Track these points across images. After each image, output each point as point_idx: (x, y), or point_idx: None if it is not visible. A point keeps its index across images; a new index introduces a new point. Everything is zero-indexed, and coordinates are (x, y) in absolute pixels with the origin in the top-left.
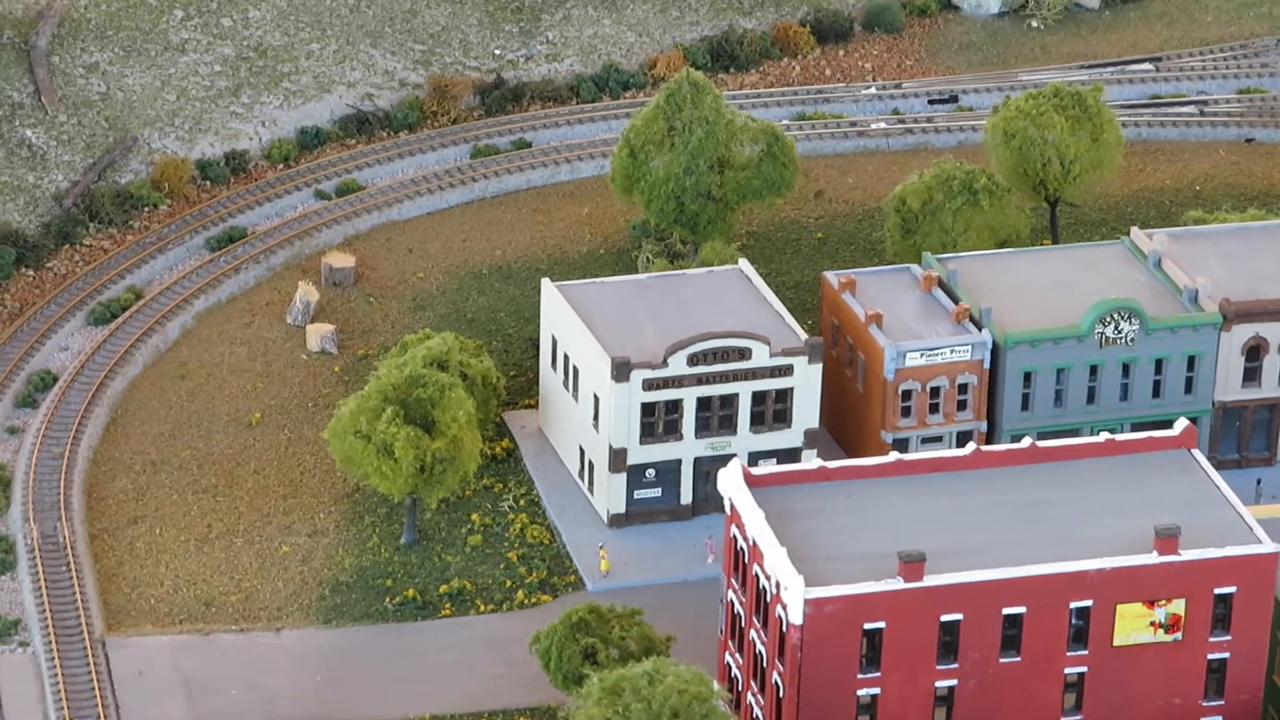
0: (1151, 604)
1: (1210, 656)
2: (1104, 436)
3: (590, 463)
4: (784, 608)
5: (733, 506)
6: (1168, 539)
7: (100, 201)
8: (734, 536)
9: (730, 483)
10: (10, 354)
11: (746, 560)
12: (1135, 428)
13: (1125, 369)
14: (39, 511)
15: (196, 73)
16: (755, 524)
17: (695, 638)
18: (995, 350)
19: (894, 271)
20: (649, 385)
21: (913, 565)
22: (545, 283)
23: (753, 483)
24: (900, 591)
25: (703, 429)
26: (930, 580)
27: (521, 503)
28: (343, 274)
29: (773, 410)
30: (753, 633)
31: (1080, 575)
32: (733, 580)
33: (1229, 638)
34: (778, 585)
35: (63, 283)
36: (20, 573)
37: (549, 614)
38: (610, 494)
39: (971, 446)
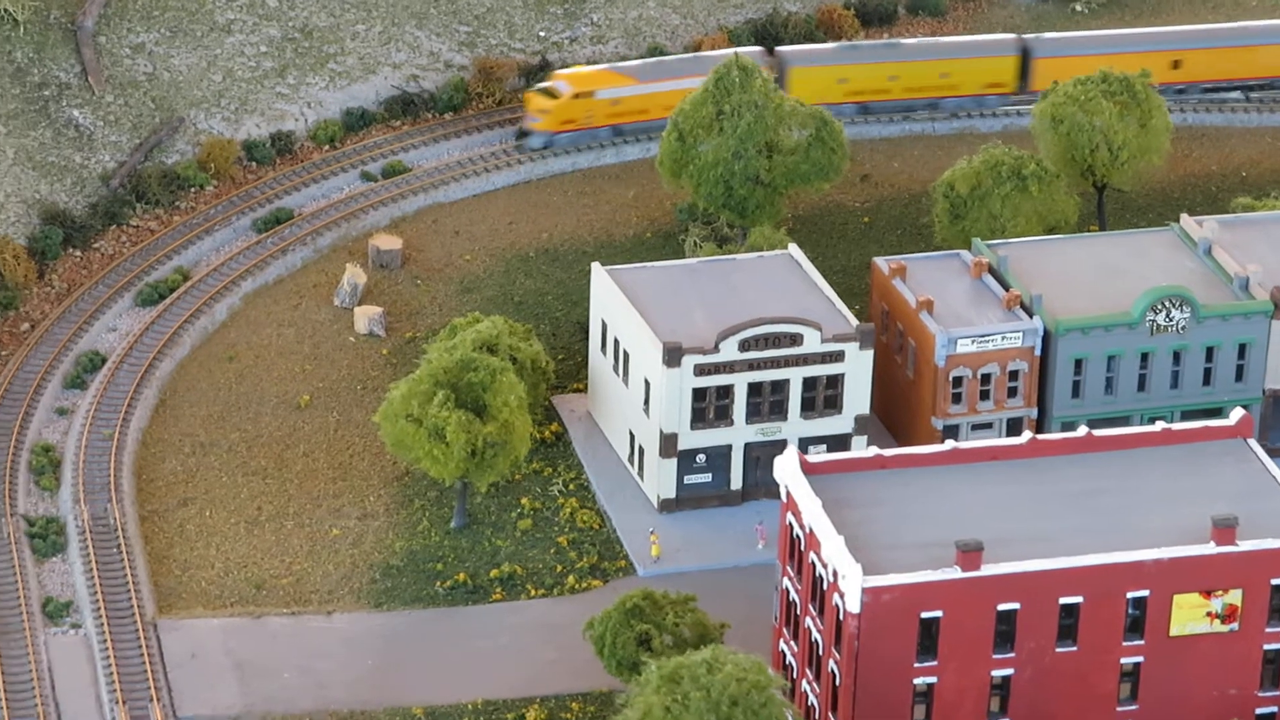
0: (1208, 594)
1: (1267, 647)
2: (1159, 425)
3: (640, 447)
4: (841, 596)
5: (789, 494)
6: (1225, 529)
7: (147, 182)
8: (790, 524)
9: (786, 470)
10: (59, 335)
11: (803, 548)
12: (1185, 415)
13: (1176, 356)
14: (89, 493)
15: (242, 53)
16: (812, 512)
17: (746, 624)
18: (1046, 337)
19: (944, 257)
20: (700, 370)
21: (970, 554)
22: (595, 267)
23: (809, 470)
24: (958, 580)
25: (753, 414)
26: (988, 569)
27: (571, 487)
28: (390, 256)
29: (823, 396)
30: (808, 621)
31: (1137, 565)
32: (788, 568)
33: None
34: (835, 573)
35: (110, 263)
36: (71, 554)
37: (600, 599)
38: (661, 479)
39: (1027, 435)
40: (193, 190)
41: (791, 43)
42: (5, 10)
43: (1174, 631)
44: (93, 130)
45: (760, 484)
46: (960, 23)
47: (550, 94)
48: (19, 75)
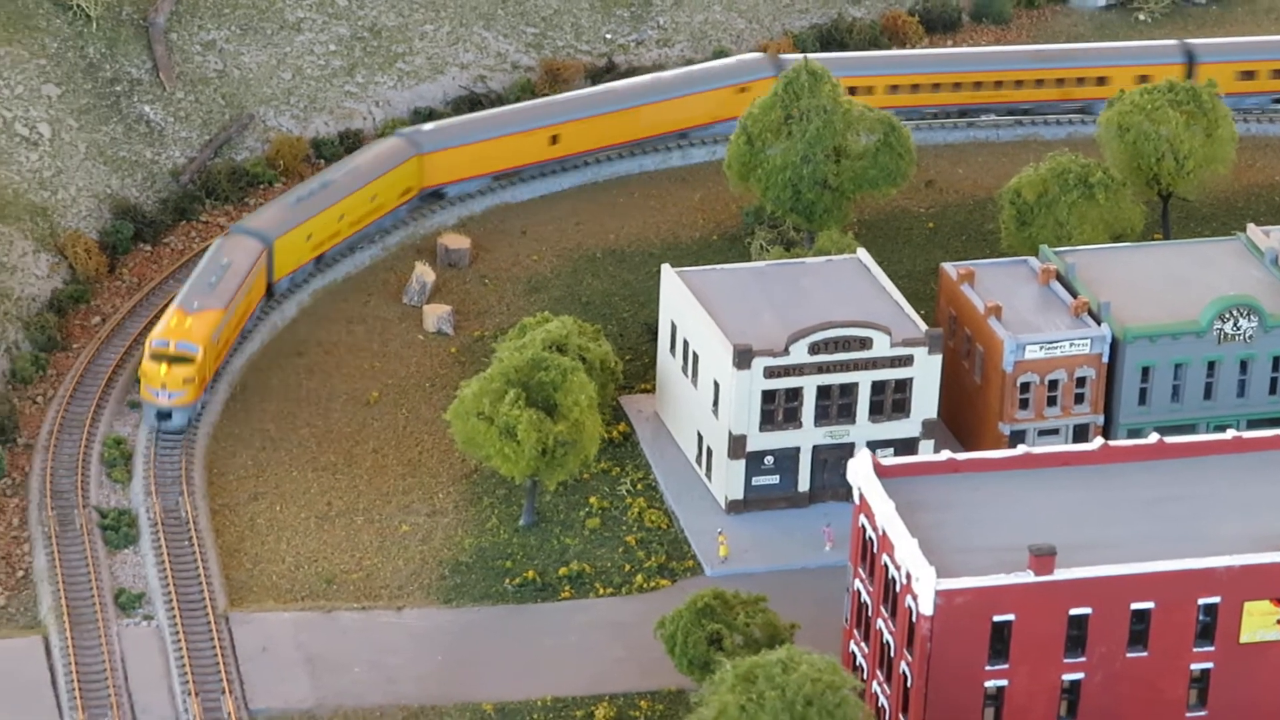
0: (1278, 602)
1: None
2: (1231, 433)
3: (709, 449)
4: (914, 598)
5: (862, 496)
6: None
7: (216, 178)
8: (862, 526)
9: (860, 472)
10: (130, 329)
11: (875, 550)
12: (1251, 424)
13: (1243, 365)
14: (160, 486)
15: (312, 52)
16: (885, 514)
17: (815, 625)
18: (1114, 344)
19: (1012, 264)
20: (770, 373)
21: (1043, 559)
22: (665, 268)
23: (882, 473)
24: (1030, 584)
25: (822, 417)
26: (1060, 574)
27: (639, 487)
28: (458, 255)
29: (891, 400)
30: (880, 622)
31: (1209, 572)
32: (860, 569)
33: None
34: (908, 576)
35: (180, 258)
36: (143, 546)
37: (668, 598)
38: (729, 480)
39: (1099, 441)
40: (261, 187)
41: (857, 48)
42: (78, 6)
43: (1244, 638)
44: (163, 126)
45: (827, 486)
46: (1024, 30)
47: (182, 360)
48: (91, 71)
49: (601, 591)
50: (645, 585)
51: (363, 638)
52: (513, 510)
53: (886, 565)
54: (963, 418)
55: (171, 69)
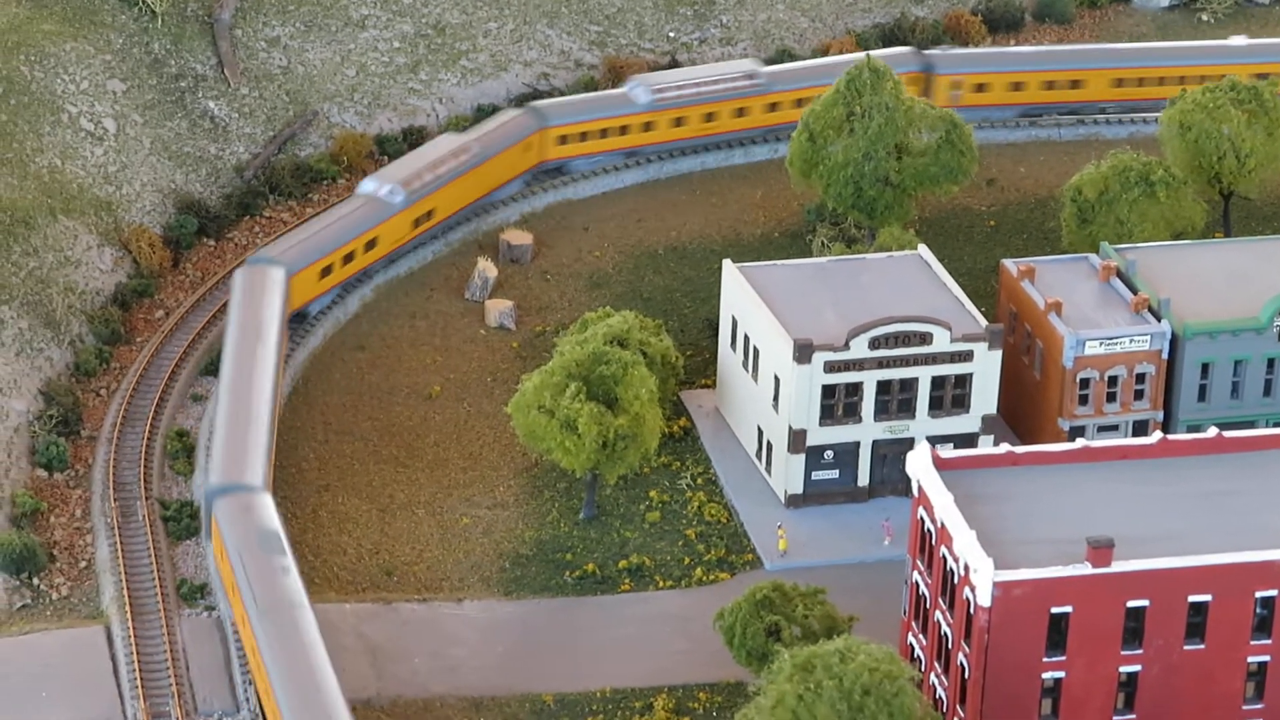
0: None
1: None
2: None
3: (768, 443)
4: (972, 590)
5: (920, 488)
6: None
7: (280, 174)
8: (921, 518)
9: (919, 465)
10: (193, 323)
11: (934, 542)
12: None
13: None
14: None
15: (376, 49)
16: (944, 506)
17: (873, 619)
18: (1174, 341)
19: (1072, 261)
20: (830, 367)
21: (1101, 551)
22: (727, 264)
23: (941, 465)
24: (1088, 576)
25: (881, 412)
26: (1118, 566)
27: (699, 481)
28: (520, 251)
29: (951, 395)
30: (938, 614)
31: (1267, 565)
32: (918, 561)
33: None
34: (966, 567)
35: (243, 253)
36: (205, 538)
37: (727, 591)
38: (789, 474)
39: (1157, 435)
40: (325, 183)
41: (921, 49)
42: (144, 2)
43: None
44: (228, 122)
45: (887, 481)
46: (1086, 30)
47: None
48: (156, 66)
49: (661, 584)
50: (704, 578)
51: (424, 629)
52: (573, 503)
53: (945, 557)
54: (1022, 413)
55: (236, 65)
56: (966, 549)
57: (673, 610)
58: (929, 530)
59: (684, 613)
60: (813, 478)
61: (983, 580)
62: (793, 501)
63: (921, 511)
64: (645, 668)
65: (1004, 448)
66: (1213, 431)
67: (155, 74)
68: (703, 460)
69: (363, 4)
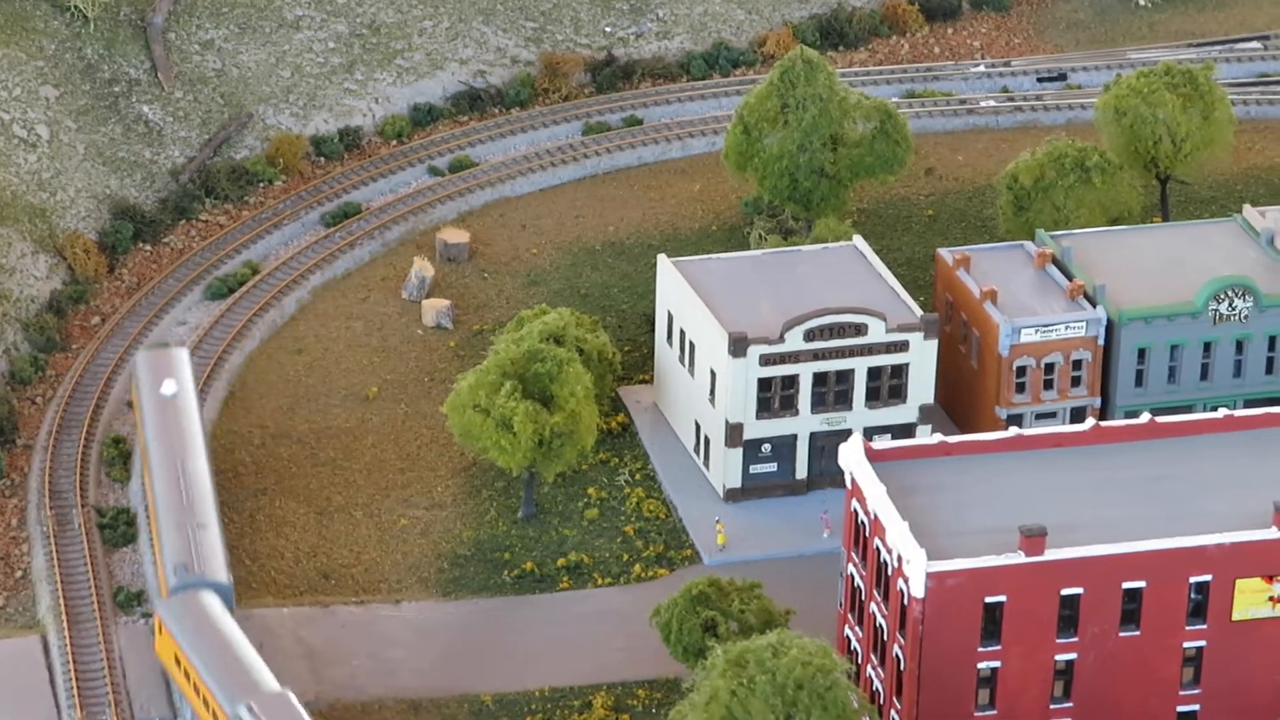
0: (1270, 579)
1: None
2: (1222, 412)
3: (706, 437)
4: (906, 581)
5: (854, 480)
6: None
7: (216, 177)
8: (854, 510)
9: (851, 457)
10: (129, 328)
11: (867, 534)
12: (1248, 404)
13: (1239, 346)
14: None
15: (311, 49)
16: (877, 498)
17: (812, 611)
18: (1110, 327)
19: (1008, 248)
20: (766, 360)
21: (1034, 539)
22: (661, 259)
23: (874, 457)
24: (1021, 565)
25: (818, 404)
26: (1051, 554)
27: (637, 477)
28: (457, 249)
29: (888, 386)
30: (873, 606)
31: (1200, 550)
32: (853, 554)
33: None
34: (899, 559)
35: (180, 258)
36: (141, 544)
37: (666, 587)
38: (726, 469)
39: (1090, 422)
40: (261, 185)
41: (856, 38)
42: (75, 7)
43: (1236, 616)
44: (162, 126)
45: (825, 473)
46: (1024, 17)
47: None
48: (89, 72)
49: (600, 582)
50: (643, 575)
51: (361, 631)
52: (511, 502)
53: (878, 549)
54: (960, 402)
55: (170, 69)
56: (899, 540)
57: (611, 607)
58: (863, 522)
59: (623, 610)
60: (751, 471)
61: (916, 571)
62: (731, 495)
63: (855, 504)
64: (584, 666)
65: (937, 438)
66: (1146, 417)
67: (88, 79)
68: (641, 456)
69: (297, 5)
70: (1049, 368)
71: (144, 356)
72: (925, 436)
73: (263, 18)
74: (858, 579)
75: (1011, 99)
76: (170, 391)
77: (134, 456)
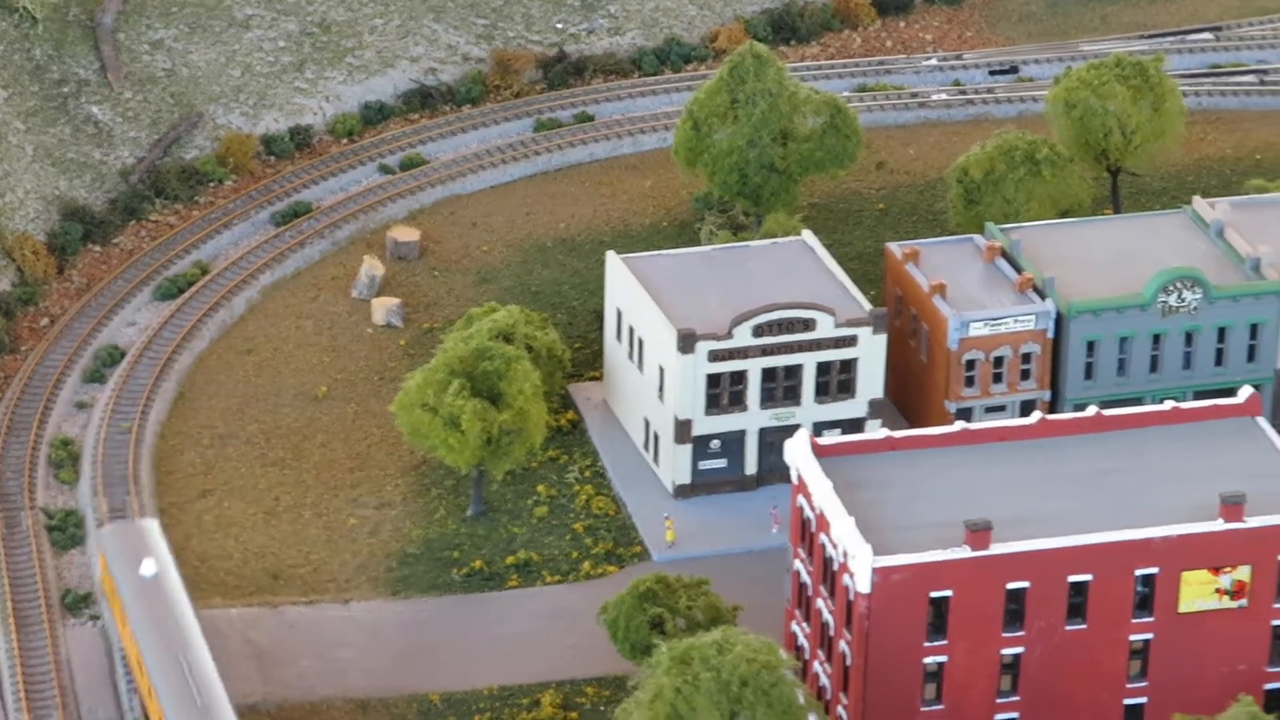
0: (1217, 571)
1: (1275, 623)
2: (1169, 405)
3: (655, 434)
4: (852, 577)
5: (800, 476)
6: (1233, 506)
7: (166, 177)
8: (801, 506)
9: (797, 453)
10: (78, 329)
11: (813, 530)
12: (1198, 396)
13: (1188, 337)
14: (108, 486)
15: (261, 48)
16: (822, 494)
17: (761, 607)
18: (1059, 320)
19: (957, 242)
20: (714, 356)
21: (979, 534)
22: (610, 255)
23: (820, 453)
24: (967, 560)
25: (767, 400)
26: (996, 549)
27: (587, 474)
28: (407, 248)
29: (837, 380)
30: (820, 602)
31: (1146, 542)
32: (799, 550)
33: None
34: (845, 554)
35: (129, 258)
36: (90, 547)
37: (615, 585)
38: (676, 465)
39: (1037, 415)
40: (211, 185)
41: (808, 33)
42: (24, 8)
43: (1183, 608)
44: (112, 126)
45: (774, 469)
46: (976, 10)
47: None
48: (38, 72)
49: (549, 579)
50: (592, 572)
51: (310, 631)
52: (461, 501)
53: (825, 544)
54: (910, 397)
55: (119, 69)
56: (845, 536)
57: (561, 605)
58: (809, 518)
59: (572, 607)
60: (700, 467)
61: (861, 567)
62: (681, 492)
63: (801, 499)
64: (533, 664)
65: (883, 433)
66: (1092, 410)
67: (37, 80)
68: (591, 453)
69: (247, 4)
70: (998, 361)
71: (111, 534)
72: (874, 431)
73: (213, 17)
74: (804, 575)
75: (963, 92)
76: (150, 572)
77: (113, 652)
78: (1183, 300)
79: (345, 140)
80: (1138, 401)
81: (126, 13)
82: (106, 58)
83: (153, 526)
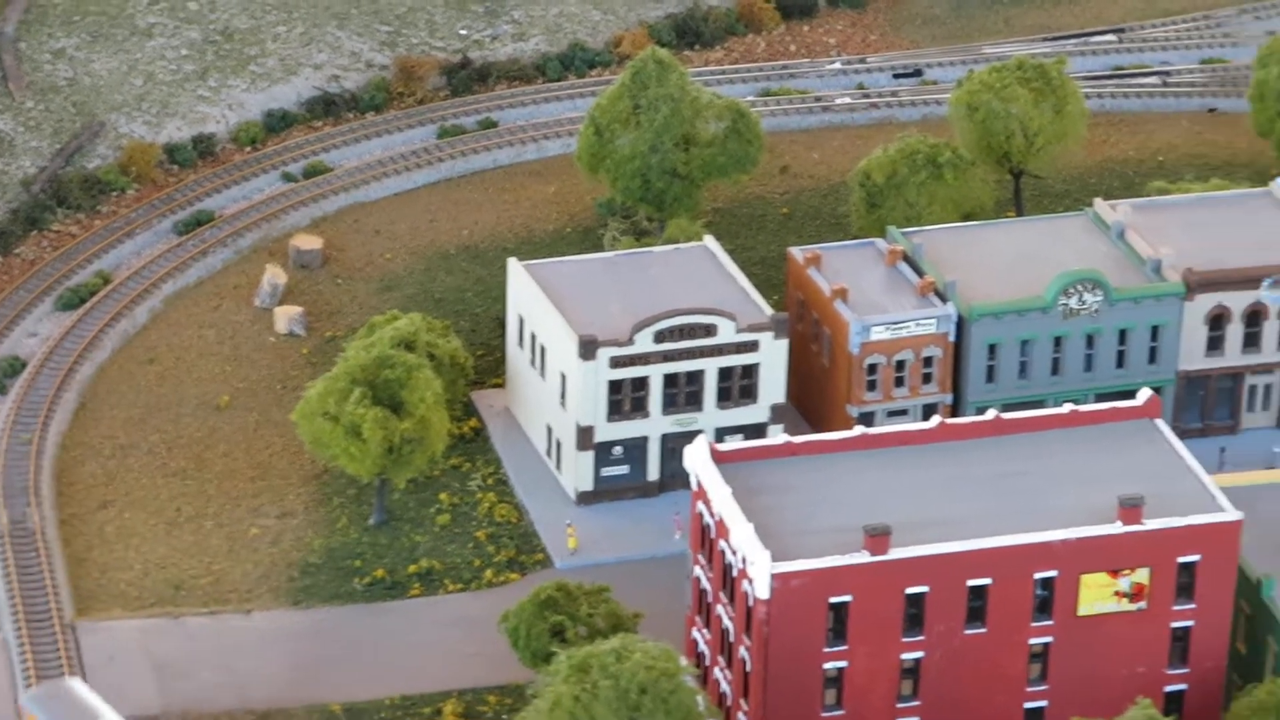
0: (1115, 573)
1: (1174, 625)
2: (1068, 407)
3: (558, 441)
4: (751, 583)
5: (699, 483)
6: (1131, 509)
7: (68, 187)
8: (700, 512)
9: (696, 459)
10: None
11: (713, 536)
12: (1100, 398)
13: (1089, 340)
14: (8, 497)
15: (163, 57)
16: (721, 500)
17: (664, 614)
18: (960, 323)
19: (859, 246)
20: (616, 363)
21: (878, 538)
22: (512, 262)
23: (719, 459)
24: (865, 565)
25: (669, 405)
26: (895, 553)
27: (489, 481)
28: (310, 256)
29: (739, 386)
30: (720, 608)
31: (1044, 546)
32: (699, 556)
33: (1193, 606)
34: (744, 560)
35: (31, 269)
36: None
37: (517, 592)
38: (578, 472)
39: (936, 419)
40: (114, 194)
41: (713, 37)
42: None
43: (1082, 611)
44: (13, 136)
45: (677, 475)
46: (880, 14)
47: None
48: None
49: (451, 588)
50: (494, 580)
51: (211, 642)
52: (363, 510)
53: (724, 551)
54: (813, 401)
55: (21, 78)
56: (744, 542)
57: (462, 613)
58: (708, 524)
59: (474, 615)
60: (602, 474)
61: (760, 572)
62: (583, 499)
63: (701, 505)
64: (435, 673)
65: (783, 438)
66: (991, 414)
67: None
68: (493, 460)
69: (149, 12)
70: (900, 365)
71: (38, 696)
72: (776, 436)
73: (115, 25)
74: (705, 581)
75: (867, 96)
76: None
77: None
78: (1084, 302)
79: (248, 148)
80: (1040, 404)
81: (28, 22)
82: (8, 67)
83: (80, 687)
